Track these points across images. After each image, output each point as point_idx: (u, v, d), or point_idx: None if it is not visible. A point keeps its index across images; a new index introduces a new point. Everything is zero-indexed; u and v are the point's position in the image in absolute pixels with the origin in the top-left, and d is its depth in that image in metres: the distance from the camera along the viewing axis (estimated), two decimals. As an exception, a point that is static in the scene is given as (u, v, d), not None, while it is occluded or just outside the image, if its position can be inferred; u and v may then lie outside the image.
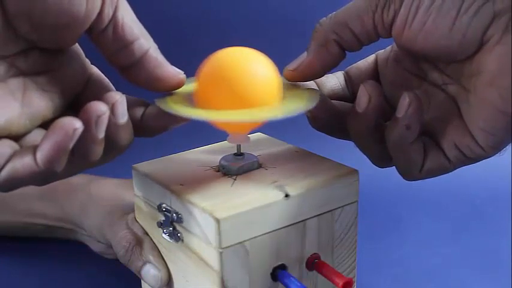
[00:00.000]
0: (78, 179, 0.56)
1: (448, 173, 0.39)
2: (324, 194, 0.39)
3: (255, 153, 0.43)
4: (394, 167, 0.41)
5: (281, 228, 0.38)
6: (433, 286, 0.55)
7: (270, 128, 0.43)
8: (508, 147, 0.37)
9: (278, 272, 0.38)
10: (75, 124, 0.31)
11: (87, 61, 0.38)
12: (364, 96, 0.37)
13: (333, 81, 0.43)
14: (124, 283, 0.52)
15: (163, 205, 0.40)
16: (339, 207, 0.41)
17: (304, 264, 0.40)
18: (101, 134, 0.33)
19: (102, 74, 0.39)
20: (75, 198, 0.56)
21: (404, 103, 0.36)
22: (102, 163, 0.36)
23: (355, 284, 0.43)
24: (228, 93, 0.36)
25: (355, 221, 0.42)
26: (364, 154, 0.41)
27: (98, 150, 0.33)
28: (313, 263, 0.40)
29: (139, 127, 0.37)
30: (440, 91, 0.39)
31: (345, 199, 0.41)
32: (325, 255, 0.41)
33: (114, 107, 0.33)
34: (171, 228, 0.40)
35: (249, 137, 0.41)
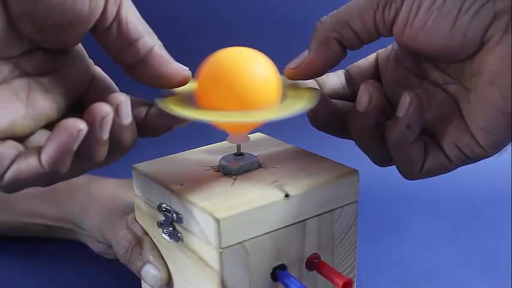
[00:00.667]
0: (78, 179, 0.56)
1: (448, 172, 0.39)
2: (324, 194, 0.39)
3: (255, 153, 0.43)
4: (394, 166, 0.41)
5: (281, 228, 0.38)
6: (433, 286, 0.55)
7: (270, 128, 0.43)
8: (508, 147, 0.37)
9: (278, 272, 0.38)
10: (80, 125, 0.31)
11: (91, 61, 0.38)
12: (365, 96, 0.37)
13: (334, 80, 0.43)
14: (124, 283, 0.52)
15: (163, 205, 0.40)
16: (339, 207, 0.41)
17: (304, 264, 0.40)
18: (105, 135, 0.33)
19: (106, 74, 0.39)
20: (75, 198, 0.56)
21: (405, 102, 0.36)
22: (107, 164, 0.36)
23: (355, 284, 0.43)
24: (227, 93, 0.36)
25: (355, 221, 0.42)
26: (365, 153, 0.41)
27: (103, 151, 0.33)
28: (313, 263, 0.40)
29: (143, 127, 0.37)
30: (441, 91, 0.39)
31: (345, 199, 0.41)
32: (325, 255, 0.41)
33: (118, 108, 0.34)
34: (171, 228, 0.40)
35: (249, 137, 0.41)
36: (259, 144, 0.46)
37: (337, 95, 0.43)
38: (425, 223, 0.66)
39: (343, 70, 0.44)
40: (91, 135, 0.32)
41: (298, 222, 0.39)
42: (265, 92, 0.37)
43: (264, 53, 0.39)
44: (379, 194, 0.71)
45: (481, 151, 0.37)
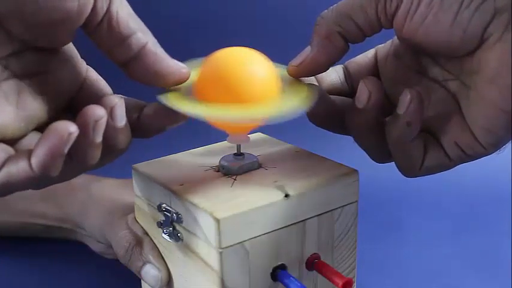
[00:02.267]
0: (78, 179, 0.55)
1: (448, 169, 0.39)
2: (324, 194, 0.39)
3: (255, 153, 0.43)
4: (394, 165, 0.41)
5: (281, 228, 0.38)
6: (433, 286, 0.55)
7: (270, 128, 0.43)
8: (508, 145, 0.37)
9: (278, 272, 0.38)
10: (70, 128, 0.30)
11: (83, 62, 0.38)
12: (365, 92, 0.37)
13: (332, 75, 0.43)
14: (124, 283, 0.52)
15: (163, 205, 0.40)
16: (339, 207, 0.41)
17: (304, 264, 0.40)
18: (99, 138, 0.32)
19: (98, 75, 0.38)
20: (75, 198, 0.56)
21: (406, 100, 0.36)
22: (100, 166, 0.35)
23: (355, 284, 0.43)
24: (226, 92, 0.36)
25: (355, 221, 0.42)
26: (363, 150, 0.41)
27: (96, 153, 0.33)
28: (313, 263, 0.40)
29: (136, 128, 0.36)
30: (441, 87, 0.39)
31: (345, 199, 0.41)
32: (325, 255, 0.41)
33: (113, 111, 0.33)
34: (171, 228, 0.40)
35: (249, 137, 0.40)
36: (259, 144, 0.46)
37: (335, 90, 0.43)
38: (425, 223, 0.66)
39: (342, 65, 0.44)
40: (84, 138, 0.31)
41: (298, 222, 0.39)
42: (264, 91, 0.37)
43: (264, 53, 0.38)
44: (379, 194, 0.71)
45: (480, 149, 0.37)
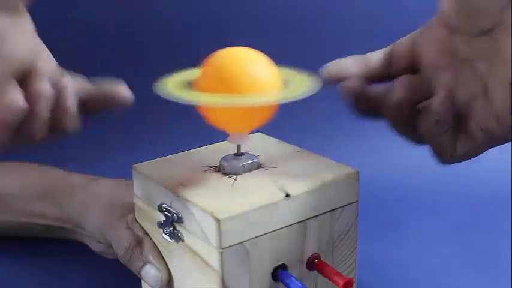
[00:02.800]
0: (78, 180, 0.56)
1: (478, 155, 0.40)
2: (324, 193, 0.39)
3: (255, 153, 0.43)
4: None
5: (281, 228, 0.38)
6: (433, 286, 0.55)
7: (270, 128, 0.43)
8: None
9: (278, 272, 0.38)
10: (19, 101, 0.32)
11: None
12: (397, 92, 0.38)
13: (377, 56, 0.43)
14: (124, 283, 0.52)
15: (164, 205, 0.40)
16: (339, 207, 0.41)
17: (305, 264, 0.40)
18: (46, 114, 0.34)
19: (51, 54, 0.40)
20: (75, 198, 0.56)
21: (436, 102, 0.37)
22: (48, 141, 0.37)
23: (355, 284, 0.43)
24: (226, 87, 0.36)
25: (355, 221, 0.42)
26: (401, 137, 0.42)
27: (42, 128, 0.35)
28: (314, 263, 0.40)
29: (82, 107, 0.38)
30: (469, 68, 0.39)
31: (345, 199, 0.41)
32: (325, 255, 0.41)
33: (63, 91, 0.35)
34: (171, 228, 0.40)
35: (249, 137, 0.41)
36: (259, 144, 0.46)
37: (378, 74, 0.43)
38: (426, 223, 0.66)
39: (384, 49, 0.43)
40: (31, 114, 0.34)
41: (299, 222, 0.39)
42: (263, 86, 0.37)
43: (264, 53, 0.39)
44: (379, 194, 0.71)
45: (504, 131, 0.37)
